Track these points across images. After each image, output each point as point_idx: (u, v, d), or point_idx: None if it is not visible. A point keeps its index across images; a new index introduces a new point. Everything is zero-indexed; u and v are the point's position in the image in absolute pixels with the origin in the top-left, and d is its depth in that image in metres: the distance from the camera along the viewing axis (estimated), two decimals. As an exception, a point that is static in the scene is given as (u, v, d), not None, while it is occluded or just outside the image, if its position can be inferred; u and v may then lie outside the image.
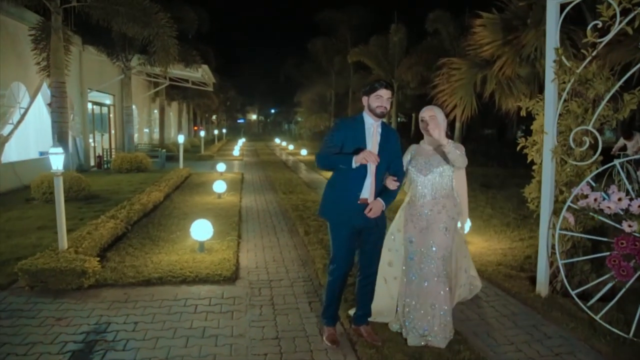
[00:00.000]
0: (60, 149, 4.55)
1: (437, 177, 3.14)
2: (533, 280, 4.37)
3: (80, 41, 13.43)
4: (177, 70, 16.74)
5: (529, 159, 4.25)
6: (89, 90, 14.83)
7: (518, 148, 4.37)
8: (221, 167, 13.00)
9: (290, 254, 5.45)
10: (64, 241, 4.60)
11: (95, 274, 4.27)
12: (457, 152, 3.02)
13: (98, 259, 4.59)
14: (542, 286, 4.07)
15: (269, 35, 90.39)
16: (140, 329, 3.39)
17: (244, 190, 10.66)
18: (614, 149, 9.69)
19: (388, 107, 3.01)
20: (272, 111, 75.43)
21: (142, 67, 15.40)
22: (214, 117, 52.61)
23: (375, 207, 2.98)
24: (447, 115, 3.43)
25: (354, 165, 2.89)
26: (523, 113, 4.21)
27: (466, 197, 3.38)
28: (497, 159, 16.58)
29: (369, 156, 2.82)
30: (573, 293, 3.60)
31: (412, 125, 29.10)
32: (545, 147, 3.95)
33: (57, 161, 4.51)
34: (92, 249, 4.85)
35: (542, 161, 4.04)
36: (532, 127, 4.17)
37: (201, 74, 18.38)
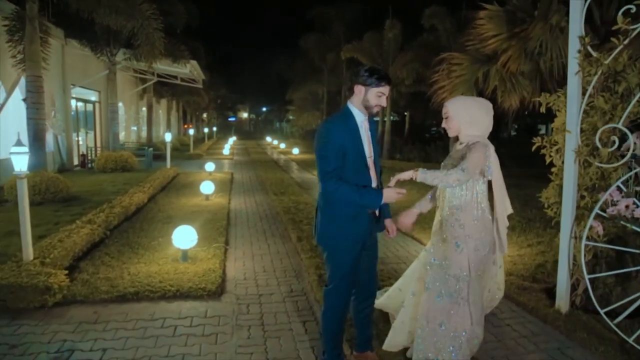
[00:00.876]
0: (23, 148, 4.06)
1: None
2: (549, 292, 3.99)
3: (62, 34, 12.83)
4: (165, 66, 16.16)
5: (547, 161, 3.85)
6: (72, 86, 14.21)
7: (534, 148, 3.96)
8: (210, 166, 12.54)
9: (282, 263, 5.00)
10: (28, 251, 4.12)
11: (63, 289, 3.78)
12: (432, 177, 2.49)
13: (66, 272, 4.10)
14: (563, 301, 3.67)
15: (261, 33, 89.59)
16: (108, 357, 2.93)
17: (234, 191, 10.19)
18: (622, 149, 9.35)
19: None
20: (264, 109, 74.56)
21: (128, 62, 14.80)
22: (204, 115, 51.89)
23: (392, 226, 2.79)
24: None
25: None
26: (542, 109, 3.80)
27: (502, 214, 2.70)
28: None
29: (399, 195, 2.50)
30: (602, 312, 3.20)
31: (405, 125, 28.68)
32: (567, 147, 3.54)
33: (21, 162, 4.03)
34: (62, 259, 4.36)
35: (562, 163, 3.64)
36: (552, 126, 3.75)
37: (190, 69, 17.82)
